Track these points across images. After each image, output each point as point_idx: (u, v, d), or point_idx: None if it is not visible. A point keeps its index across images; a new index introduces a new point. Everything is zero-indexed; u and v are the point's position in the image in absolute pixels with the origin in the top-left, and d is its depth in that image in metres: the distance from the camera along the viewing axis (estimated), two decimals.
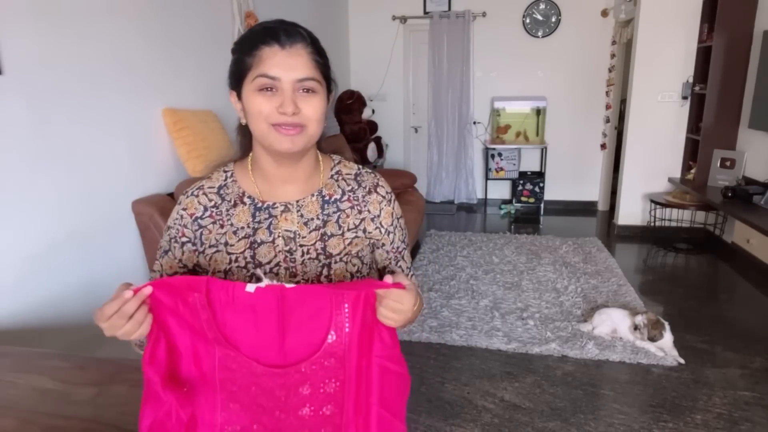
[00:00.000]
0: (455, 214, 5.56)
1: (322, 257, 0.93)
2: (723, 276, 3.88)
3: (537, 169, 5.64)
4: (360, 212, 0.97)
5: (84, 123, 2.06)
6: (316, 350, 0.80)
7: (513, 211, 5.56)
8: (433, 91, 5.57)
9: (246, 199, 0.94)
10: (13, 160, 1.77)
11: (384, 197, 0.99)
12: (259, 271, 0.88)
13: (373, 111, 5.37)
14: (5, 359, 1.35)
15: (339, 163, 1.02)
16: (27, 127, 1.81)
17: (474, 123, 5.62)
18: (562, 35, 5.30)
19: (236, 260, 0.92)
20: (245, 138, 0.96)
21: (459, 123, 5.57)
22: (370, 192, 0.98)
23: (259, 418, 0.82)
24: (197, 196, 0.95)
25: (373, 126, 5.35)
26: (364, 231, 0.98)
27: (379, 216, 0.98)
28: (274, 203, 0.94)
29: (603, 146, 5.46)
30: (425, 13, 5.45)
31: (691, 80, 4.36)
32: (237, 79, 0.88)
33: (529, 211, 5.58)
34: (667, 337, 2.65)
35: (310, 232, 0.94)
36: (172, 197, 2.44)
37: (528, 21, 5.33)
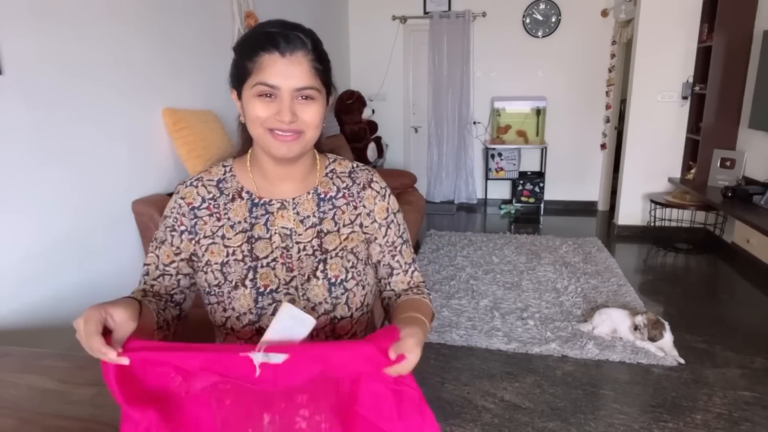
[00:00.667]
0: (455, 214, 5.56)
1: (318, 253, 0.95)
2: (723, 276, 3.88)
3: (537, 169, 5.64)
4: (356, 208, 0.99)
5: (84, 123, 2.06)
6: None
7: (513, 211, 5.56)
8: (433, 91, 5.57)
9: (244, 194, 0.96)
10: (13, 160, 1.77)
11: (378, 192, 1.01)
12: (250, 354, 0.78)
13: (373, 111, 5.37)
14: (5, 359, 1.35)
15: (334, 161, 1.03)
16: (26, 126, 1.81)
17: (474, 123, 5.62)
18: (562, 35, 5.30)
19: (233, 253, 0.93)
20: (245, 135, 0.97)
21: (459, 123, 5.57)
22: (364, 188, 1.00)
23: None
24: (196, 186, 0.96)
25: (373, 126, 5.35)
26: (360, 225, 0.99)
27: (373, 211, 1.00)
28: (271, 200, 0.96)
29: (603, 146, 5.46)
30: (425, 13, 5.45)
31: (691, 80, 4.36)
32: (237, 80, 0.89)
33: (529, 211, 5.58)
34: (667, 337, 2.65)
35: (306, 229, 0.96)
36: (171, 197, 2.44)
37: (528, 21, 5.33)
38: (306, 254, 0.95)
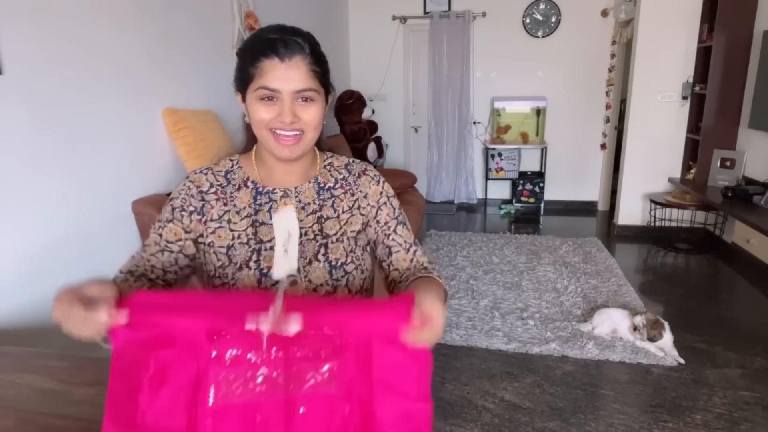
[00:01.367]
0: (455, 214, 5.56)
1: (319, 237, 1.00)
2: (723, 276, 3.87)
3: (537, 169, 5.63)
4: (353, 195, 1.05)
5: (83, 123, 2.06)
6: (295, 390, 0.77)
7: (513, 211, 5.56)
8: (433, 91, 5.57)
9: (249, 184, 1.02)
10: (13, 160, 1.77)
11: (372, 178, 1.07)
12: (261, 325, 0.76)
13: (373, 111, 5.37)
14: (5, 359, 1.35)
15: (331, 156, 1.10)
16: (26, 127, 1.81)
17: (474, 123, 5.62)
18: (562, 35, 5.30)
19: (238, 237, 0.98)
20: (250, 133, 1.02)
21: (459, 123, 5.57)
22: (359, 176, 1.07)
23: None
24: (206, 174, 1.03)
25: (373, 126, 5.35)
26: (359, 209, 1.05)
27: (368, 194, 1.06)
28: (274, 189, 1.01)
29: (603, 146, 5.46)
30: (425, 13, 5.45)
31: (691, 80, 4.36)
32: (241, 84, 0.95)
33: (529, 211, 5.58)
34: (667, 337, 2.65)
35: (307, 215, 1.01)
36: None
37: (528, 21, 5.33)
38: (308, 239, 0.99)
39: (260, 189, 1.01)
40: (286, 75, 0.88)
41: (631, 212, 4.74)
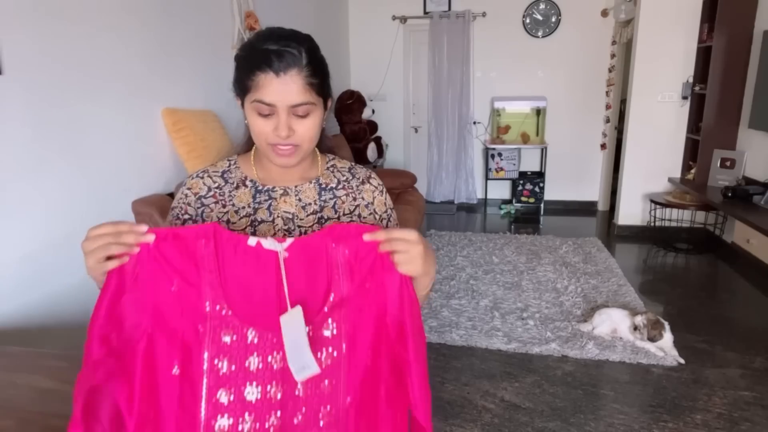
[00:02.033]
0: (455, 214, 5.56)
1: None
2: (723, 276, 3.87)
3: (537, 169, 5.63)
4: (355, 199, 1.04)
5: (83, 123, 2.06)
6: (317, 314, 0.78)
7: (513, 211, 5.56)
8: (433, 91, 5.57)
9: (248, 182, 1.01)
10: (13, 160, 1.77)
11: (376, 188, 1.07)
12: (260, 239, 0.84)
13: (373, 111, 5.37)
14: (5, 359, 1.35)
15: (333, 159, 1.09)
16: (26, 127, 1.81)
17: (474, 123, 5.62)
18: (562, 35, 5.30)
19: None
20: (249, 134, 1.02)
21: (459, 123, 5.57)
22: (363, 182, 1.06)
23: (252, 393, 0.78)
24: (202, 177, 1.02)
25: (373, 126, 5.35)
26: (359, 216, 1.04)
27: (372, 203, 1.05)
28: (274, 187, 1.01)
29: (603, 146, 5.46)
30: (425, 13, 5.45)
31: (691, 80, 4.36)
32: (239, 92, 0.94)
33: (529, 211, 5.58)
34: (667, 337, 2.65)
35: (307, 215, 1.01)
36: (171, 197, 2.44)
37: (528, 21, 5.33)
38: None
39: (260, 187, 1.01)
40: (281, 89, 0.87)
41: (631, 212, 4.75)
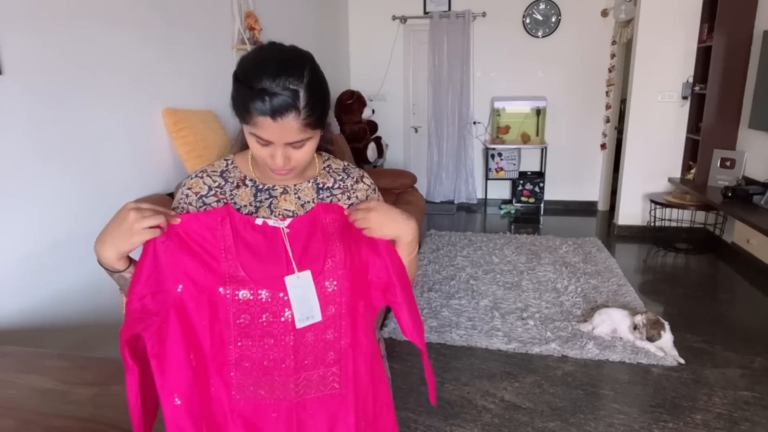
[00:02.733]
0: (455, 214, 5.56)
1: None
2: (723, 276, 3.88)
3: (537, 169, 5.64)
4: (349, 198, 1.07)
5: (84, 123, 2.06)
6: (319, 274, 0.93)
7: (513, 211, 5.56)
8: (433, 91, 5.57)
9: (248, 182, 1.03)
10: (13, 160, 1.77)
11: (369, 186, 1.10)
12: (265, 218, 0.97)
13: (373, 111, 5.37)
14: (5, 359, 1.35)
15: (328, 159, 1.12)
16: (27, 127, 1.81)
17: (474, 123, 5.63)
18: (562, 35, 5.30)
19: None
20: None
21: (459, 123, 5.57)
22: (357, 182, 1.09)
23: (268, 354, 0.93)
24: (202, 177, 1.03)
25: (373, 126, 5.35)
26: None
27: (366, 201, 1.07)
28: (274, 186, 1.03)
29: (603, 146, 5.46)
30: (425, 13, 5.45)
31: (691, 80, 4.36)
32: (237, 114, 0.92)
33: (529, 211, 5.59)
34: (667, 337, 2.65)
35: (306, 213, 1.02)
36: (172, 197, 2.44)
37: (528, 21, 5.33)
38: None
39: (260, 186, 1.02)
40: (278, 132, 0.87)
41: (631, 212, 4.75)
